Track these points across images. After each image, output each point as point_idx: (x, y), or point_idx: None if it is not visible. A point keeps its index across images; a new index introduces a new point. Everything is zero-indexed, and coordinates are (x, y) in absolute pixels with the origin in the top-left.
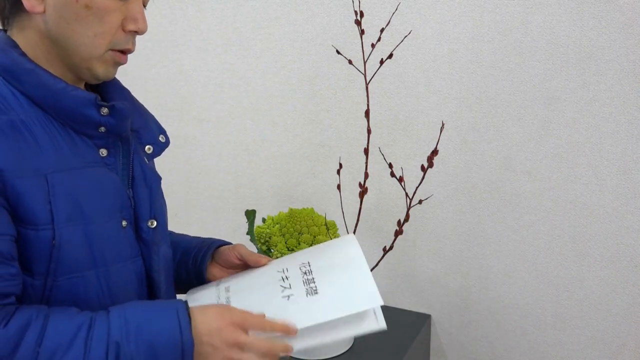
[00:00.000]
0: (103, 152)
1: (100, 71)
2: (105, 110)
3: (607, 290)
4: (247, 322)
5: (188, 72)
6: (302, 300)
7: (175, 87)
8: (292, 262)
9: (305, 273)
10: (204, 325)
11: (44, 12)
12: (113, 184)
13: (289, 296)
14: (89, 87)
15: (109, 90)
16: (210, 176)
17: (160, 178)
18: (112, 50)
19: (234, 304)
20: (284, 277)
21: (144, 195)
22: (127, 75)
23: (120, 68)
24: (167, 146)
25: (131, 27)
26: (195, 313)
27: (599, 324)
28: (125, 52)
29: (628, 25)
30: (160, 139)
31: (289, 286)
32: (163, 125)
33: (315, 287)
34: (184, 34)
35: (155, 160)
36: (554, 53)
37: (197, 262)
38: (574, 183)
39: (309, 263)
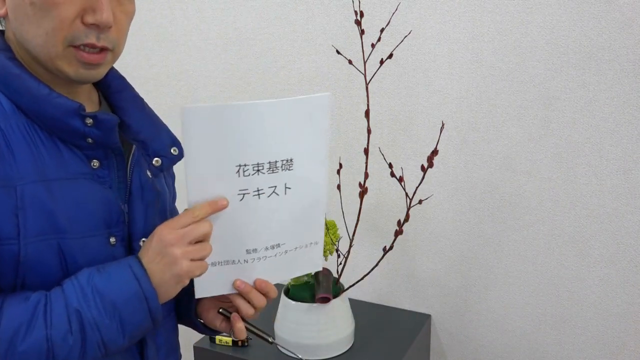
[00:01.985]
0: (95, 163)
1: (70, 72)
2: (90, 121)
3: (607, 290)
4: (175, 222)
5: (188, 72)
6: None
7: (175, 87)
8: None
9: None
10: (150, 262)
11: (7, 15)
12: (101, 197)
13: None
14: (103, 94)
15: (120, 99)
16: None
17: (159, 193)
18: (74, 47)
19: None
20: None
21: (138, 212)
22: (127, 76)
23: (120, 68)
24: (179, 159)
25: (89, 19)
26: (143, 259)
27: (599, 324)
28: (90, 46)
29: (628, 25)
30: (172, 151)
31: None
32: None
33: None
34: (184, 34)
35: None
36: (554, 53)
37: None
38: (574, 183)
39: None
